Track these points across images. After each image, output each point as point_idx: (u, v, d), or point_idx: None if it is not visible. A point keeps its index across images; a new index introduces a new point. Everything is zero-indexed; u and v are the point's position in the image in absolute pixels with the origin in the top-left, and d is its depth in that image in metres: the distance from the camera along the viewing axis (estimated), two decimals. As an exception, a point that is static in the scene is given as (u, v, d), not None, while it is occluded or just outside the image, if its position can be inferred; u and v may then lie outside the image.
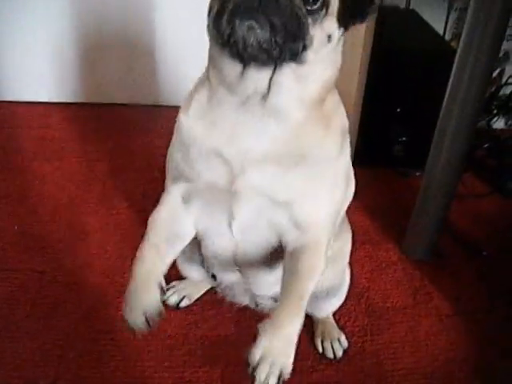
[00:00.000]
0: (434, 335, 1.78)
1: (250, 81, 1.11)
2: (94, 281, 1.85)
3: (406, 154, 2.40)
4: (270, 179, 1.17)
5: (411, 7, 2.69)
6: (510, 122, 2.90)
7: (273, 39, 1.01)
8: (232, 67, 1.11)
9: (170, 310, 1.77)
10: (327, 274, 1.49)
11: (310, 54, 1.07)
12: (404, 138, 2.37)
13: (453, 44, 2.76)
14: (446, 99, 1.78)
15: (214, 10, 1.05)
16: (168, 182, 1.33)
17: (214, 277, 1.59)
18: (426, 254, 2.04)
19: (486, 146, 2.66)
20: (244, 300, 1.63)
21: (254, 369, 1.12)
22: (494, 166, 2.57)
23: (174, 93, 2.73)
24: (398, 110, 2.31)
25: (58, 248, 1.97)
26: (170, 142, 2.57)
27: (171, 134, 2.59)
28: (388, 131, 2.37)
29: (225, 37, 1.03)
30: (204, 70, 1.22)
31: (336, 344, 1.70)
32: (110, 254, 1.95)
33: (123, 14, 2.67)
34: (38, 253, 1.94)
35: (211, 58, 1.17)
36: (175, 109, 2.76)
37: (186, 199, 1.29)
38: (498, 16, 1.59)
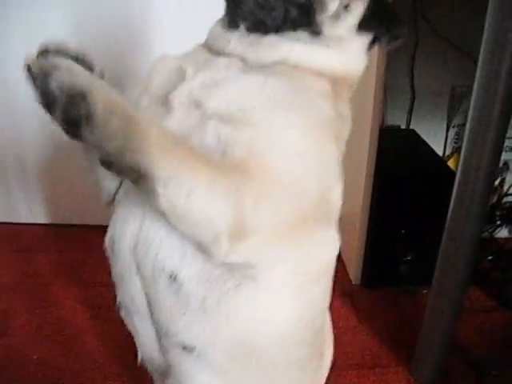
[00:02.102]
0: None
1: (227, 38, 0.94)
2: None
3: (411, 273, 2.45)
4: (213, 80, 0.90)
5: (411, 127, 2.81)
6: (513, 232, 2.96)
7: None
8: (220, 25, 0.98)
9: None
10: None
11: (324, 22, 0.92)
12: (409, 257, 2.44)
13: (454, 158, 2.87)
14: (449, 214, 1.83)
15: None
16: None
17: None
18: (434, 376, 2.06)
19: (490, 257, 2.71)
20: None
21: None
22: (498, 278, 2.60)
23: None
24: (403, 231, 2.39)
25: (75, 382, 2.00)
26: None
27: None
28: (393, 252, 2.43)
29: None
30: None
31: None
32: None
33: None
34: (58, 384, 1.99)
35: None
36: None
37: None
38: (496, 129, 1.66)
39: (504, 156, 2.93)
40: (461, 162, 1.77)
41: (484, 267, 2.65)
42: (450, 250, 1.86)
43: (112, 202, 1.04)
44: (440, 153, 2.82)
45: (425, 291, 2.32)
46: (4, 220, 2.93)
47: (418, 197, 2.36)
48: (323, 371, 1.18)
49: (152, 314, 0.99)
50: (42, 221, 2.94)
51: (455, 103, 2.84)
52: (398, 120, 2.82)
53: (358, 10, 0.95)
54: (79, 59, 0.82)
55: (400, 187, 2.35)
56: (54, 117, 0.69)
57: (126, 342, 2.13)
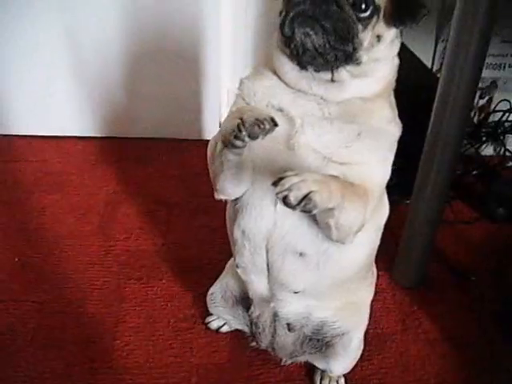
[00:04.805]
0: (423, 360, 1.82)
1: (307, 82, 1.23)
2: (92, 311, 1.91)
3: (396, 183, 2.44)
4: (327, 140, 1.24)
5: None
6: (498, 149, 2.95)
7: (326, 44, 1.15)
8: (291, 67, 1.24)
9: (164, 340, 1.83)
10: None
11: (362, 55, 1.19)
12: (394, 167, 2.42)
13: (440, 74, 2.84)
14: (430, 127, 1.84)
15: (283, 13, 1.19)
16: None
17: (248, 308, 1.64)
18: (415, 281, 2.09)
19: (474, 172, 2.72)
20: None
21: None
22: (482, 192, 2.61)
23: (170, 125, 2.81)
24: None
25: (57, 279, 2.02)
26: (167, 175, 2.63)
27: (168, 166, 2.67)
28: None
29: (287, 40, 1.19)
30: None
31: None
32: (107, 285, 2.00)
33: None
34: (38, 284, 1.99)
35: (274, 56, 1.29)
36: (171, 141, 2.82)
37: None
38: (477, 44, 1.63)
39: (492, 74, 2.90)
40: (442, 75, 1.76)
41: (468, 182, 2.67)
42: (430, 160, 1.86)
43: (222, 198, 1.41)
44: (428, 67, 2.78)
45: (407, 201, 2.31)
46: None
47: (405, 107, 2.32)
48: (375, 276, 1.70)
49: (269, 273, 1.42)
50: (22, 132, 2.89)
51: (444, 18, 2.78)
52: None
53: (390, 34, 1.21)
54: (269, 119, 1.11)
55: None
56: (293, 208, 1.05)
57: (104, 247, 2.17)
